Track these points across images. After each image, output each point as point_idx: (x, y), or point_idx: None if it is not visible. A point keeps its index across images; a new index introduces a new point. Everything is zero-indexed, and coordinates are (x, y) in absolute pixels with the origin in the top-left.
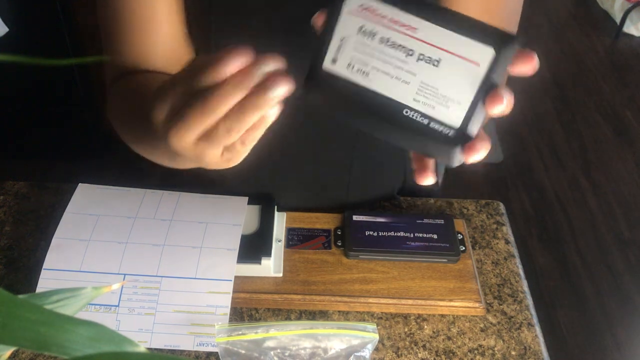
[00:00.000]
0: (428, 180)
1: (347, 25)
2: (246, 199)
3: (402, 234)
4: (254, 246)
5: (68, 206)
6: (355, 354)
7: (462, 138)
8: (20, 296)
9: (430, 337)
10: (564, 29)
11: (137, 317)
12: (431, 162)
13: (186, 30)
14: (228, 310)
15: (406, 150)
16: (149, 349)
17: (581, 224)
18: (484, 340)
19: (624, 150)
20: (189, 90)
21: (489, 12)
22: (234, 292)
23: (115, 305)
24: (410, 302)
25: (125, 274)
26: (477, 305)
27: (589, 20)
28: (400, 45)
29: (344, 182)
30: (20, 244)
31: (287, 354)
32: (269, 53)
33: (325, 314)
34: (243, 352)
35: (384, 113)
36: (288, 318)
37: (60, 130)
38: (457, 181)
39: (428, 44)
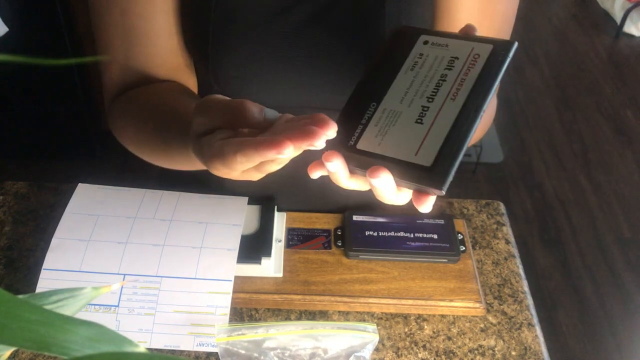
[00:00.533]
0: (425, 206)
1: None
2: (246, 199)
3: (402, 234)
4: (254, 246)
5: (68, 206)
6: (355, 354)
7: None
8: (20, 296)
9: (431, 337)
10: (564, 29)
11: (137, 317)
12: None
13: (184, 40)
14: (228, 311)
15: None
16: (148, 349)
17: (582, 224)
18: (484, 340)
19: (624, 150)
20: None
21: (483, 14)
22: (234, 292)
23: (115, 306)
24: (410, 302)
25: (125, 274)
26: (477, 305)
27: (589, 20)
28: None
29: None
30: (19, 244)
31: (287, 354)
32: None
33: (325, 314)
34: (243, 352)
35: None
36: (288, 318)
37: (60, 130)
38: (457, 181)
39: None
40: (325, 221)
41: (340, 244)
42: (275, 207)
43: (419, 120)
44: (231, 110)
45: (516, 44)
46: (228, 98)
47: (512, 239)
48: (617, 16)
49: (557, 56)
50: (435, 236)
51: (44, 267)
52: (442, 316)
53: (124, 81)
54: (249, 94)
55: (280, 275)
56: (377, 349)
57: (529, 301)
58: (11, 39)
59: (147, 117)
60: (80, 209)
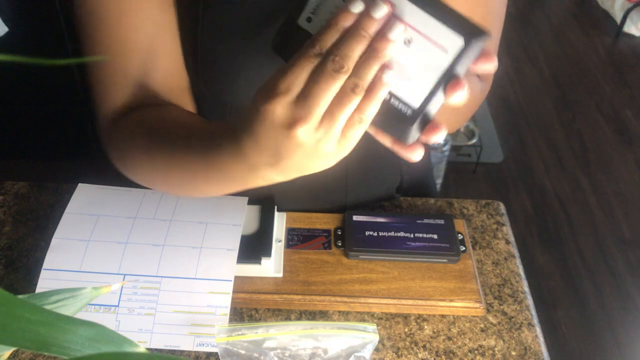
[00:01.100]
0: (415, 154)
1: None
2: (246, 199)
3: (402, 234)
4: (254, 246)
5: (68, 206)
6: (355, 354)
7: (418, 118)
8: (20, 296)
9: (431, 337)
10: (564, 29)
11: (137, 318)
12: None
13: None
14: (228, 311)
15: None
16: (148, 349)
17: (581, 224)
18: (484, 340)
19: (624, 150)
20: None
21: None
22: (234, 292)
23: (115, 306)
24: (410, 302)
25: (125, 274)
26: (477, 305)
27: (589, 20)
28: None
29: (342, 184)
30: (19, 244)
31: (287, 354)
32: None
33: (325, 314)
34: (243, 352)
35: None
36: (288, 318)
37: (60, 130)
38: (457, 181)
39: (403, 22)
40: (325, 221)
41: (340, 244)
42: (275, 207)
43: None
44: None
45: None
46: None
47: (512, 239)
48: (617, 16)
49: (556, 56)
50: (435, 236)
51: (44, 267)
52: (442, 316)
53: (123, 107)
54: (243, 99)
55: (280, 275)
56: (377, 349)
57: (529, 301)
58: (11, 39)
59: (163, 136)
60: (80, 209)
